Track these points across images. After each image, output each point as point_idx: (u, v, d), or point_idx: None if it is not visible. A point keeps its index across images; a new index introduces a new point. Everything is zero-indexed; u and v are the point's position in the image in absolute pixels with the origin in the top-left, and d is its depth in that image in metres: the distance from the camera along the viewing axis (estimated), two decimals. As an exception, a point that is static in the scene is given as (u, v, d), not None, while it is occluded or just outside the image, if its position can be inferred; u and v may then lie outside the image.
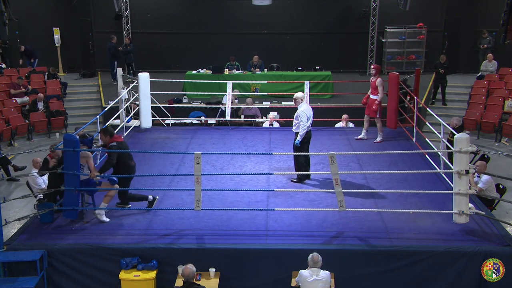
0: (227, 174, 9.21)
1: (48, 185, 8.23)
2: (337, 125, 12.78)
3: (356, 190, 8.37)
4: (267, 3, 17.41)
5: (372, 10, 18.74)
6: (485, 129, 14.44)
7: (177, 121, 13.77)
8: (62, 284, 7.10)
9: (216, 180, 8.98)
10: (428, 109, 12.71)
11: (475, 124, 14.54)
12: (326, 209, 7.68)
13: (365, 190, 8.53)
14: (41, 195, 8.35)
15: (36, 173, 9.43)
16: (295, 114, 8.88)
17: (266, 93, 15.51)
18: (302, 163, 8.95)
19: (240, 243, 7.03)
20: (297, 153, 8.74)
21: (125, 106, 12.02)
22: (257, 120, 13.41)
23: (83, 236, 7.24)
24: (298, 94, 9.08)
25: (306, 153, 8.88)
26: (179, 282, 6.55)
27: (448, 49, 18.43)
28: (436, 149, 9.27)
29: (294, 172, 8.96)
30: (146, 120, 11.99)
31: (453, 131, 8.62)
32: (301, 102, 8.95)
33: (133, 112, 12.56)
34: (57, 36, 18.79)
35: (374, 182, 8.90)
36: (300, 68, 17.21)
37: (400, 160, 9.81)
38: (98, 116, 10.49)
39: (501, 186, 9.21)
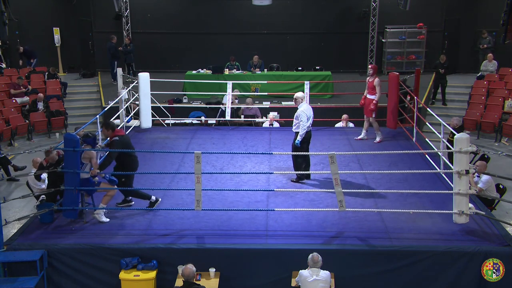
0: (227, 173, 9.21)
1: (48, 185, 8.23)
2: (337, 125, 12.78)
3: (356, 190, 8.37)
4: (267, 3, 17.40)
5: (372, 10, 18.73)
6: (485, 129, 14.44)
7: (177, 121, 13.78)
8: (62, 284, 7.10)
9: (216, 180, 8.98)
10: (428, 109, 12.71)
11: (475, 124, 14.53)
12: (326, 209, 7.68)
13: (365, 190, 8.53)
14: (44, 196, 8.35)
15: (33, 174, 9.44)
16: (295, 114, 8.88)
17: (266, 93, 15.50)
18: (300, 163, 8.96)
19: (240, 243, 7.03)
20: (297, 153, 8.74)
21: (125, 106, 12.02)
22: (257, 120, 13.41)
23: (83, 236, 7.24)
24: (299, 94, 9.08)
25: (306, 153, 8.88)
26: (179, 282, 6.55)
27: (448, 49, 18.43)
28: (436, 149, 9.27)
29: (294, 172, 8.96)
30: (146, 120, 12.00)
31: (453, 131, 8.62)
32: (301, 102, 8.95)
33: (133, 112, 12.56)
34: (57, 36, 18.79)
35: (374, 182, 8.90)
36: (300, 68, 17.20)
37: (400, 160, 9.82)
38: (98, 116, 10.50)
39: (501, 186, 9.21)
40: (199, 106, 14.72)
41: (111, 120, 10.92)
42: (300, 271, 6.42)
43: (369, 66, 10.97)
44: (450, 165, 7.84)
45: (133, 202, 8.05)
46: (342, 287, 6.81)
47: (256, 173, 9.25)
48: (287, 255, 6.90)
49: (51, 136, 15.15)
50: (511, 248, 6.81)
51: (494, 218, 7.65)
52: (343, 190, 7.12)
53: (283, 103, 14.99)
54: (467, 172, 6.89)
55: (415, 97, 11.19)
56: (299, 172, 8.87)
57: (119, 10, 18.30)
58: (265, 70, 17.10)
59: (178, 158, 9.98)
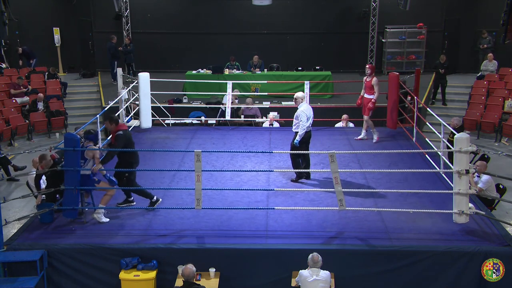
0: (227, 171, 9.20)
1: (47, 186, 8.23)
2: (337, 125, 12.78)
3: (356, 190, 8.37)
4: (267, 3, 17.40)
5: (372, 10, 18.74)
6: (485, 129, 14.44)
7: (177, 121, 13.78)
8: (62, 284, 7.10)
9: (216, 180, 8.99)
10: (428, 109, 12.70)
11: (475, 124, 14.53)
12: (326, 208, 7.68)
13: (365, 190, 8.53)
14: (44, 195, 8.35)
15: (33, 174, 9.43)
16: (295, 114, 8.89)
17: (266, 93, 15.51)
18: (299, 163, 8.97)
19: (240, 243, 7.03)
20: (297, 151, 8.74)
21: (125, 106, 12.02)
22: (257, 120, 13.41)
23: (83, 236, 7.24)
24: (299, 94, 9.08)
25: (306, 152, 8.88)
26: (179, 282, 6.55)
27: (448, 49, 18.44)
28: (436, 149, 9.27)
29: (294, 170, 8.96)
30: (146, 120, 12.00)
31: (453, 131, 8.62)
32: (301, 102, 8.95)
33: (133, 112, 12.56)
34: (57, 36, 18.79)
35: (374, 182, 8.90)
36: (300, 68, 17.20)
37: (400, 160, 9.82)
38: (98, 116, 10.49)
39: (501, 186, 9.21)
40: (199, 106, 14.72)
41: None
42: (300, 271, 6.42)
43: (367, 66, 10.96)
44: (450, 165, 7.84)
45: (134, 203, 8.05)
46: (342, 287, 6.81)
47: (256, 170, 9.24)
48: (287, 255, 6.89)
49: (51, 136, 15.16)
50: (511, 248, 6.81)
51: (494, 218, 7.65)
52: (343, 190, 7.13)
53: (283, 103, 14.99)
54: (467, 172, 6.90)
55: (415, 97, 11.19)
56: (298, 170, 8.87)
57: (119, 10, 18.30)
58: (265, 70, 17.10)
59: (178, 158, 9.98)
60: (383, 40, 19.07)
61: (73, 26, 19.37)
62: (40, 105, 15.40)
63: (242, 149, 10.72)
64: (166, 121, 13.29)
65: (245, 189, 8.29)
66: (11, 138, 14.22)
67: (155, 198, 7.93)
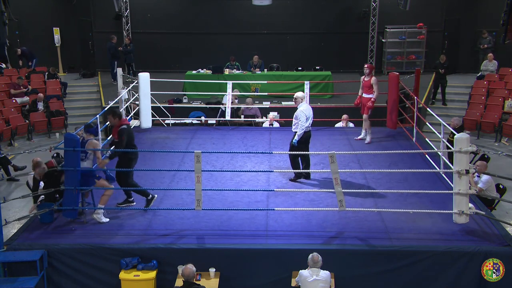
0: (227, 171, 9.20)
1: (45, 188, 8.23)
2: (337, 125, 12.78)
3: (356, 190, 8.37)
4: (267, 3, 17.40)
5: (372, 10, 18.74)
6: (485, 129, 14.43)
7: (177, 121, 13.78)
8: (62, 284, 7.10)
9: (216, 180, 8.99)
10: (428, 109, 12.71)
11: (475, 124, 14.53)
12: (326, 208, 7.68)
13: (365, 190, 8.53)
14: (42, 196, 8.34)
15: (33, 174, 9.42)
16: (295, 114, 8.89)
17: (266, 93, 15.51)
18: (298, 162, 8.97)
19: (240, 243, 7.03)
20: (298, 152, 8.74)
21: (125, 106, 12.02)
22: (257, 120, 13.41)
23: (83, 236, 7.24)
24: (299, 94, 9.08)
25: (306, 152, 8.89)
26: (179, 282, 6.55)
27: (448, 49, 18.43)
28: (436, 149, 9.27)
29: (293, 170, 8.96)
30: (146, 120, 12.00)
31: (453, 131, 8.62)
32: (301, 102, 8.96)
33: (133, 112, 12.56)
34: (57, 36, 18.79)
35: (374, 182, 8.90)
36: (300, 68, 17.20)
37: (400, 160, 9.82)
38: (98, 116, 10.48)
39: (501, 186, 9.21)
40: (199, 106, 14.72)
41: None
42: (300, 271, 6.42)
43: (365, 66, 10.94)
44: (450, 165, 7.84)
45: (134, 203, 8.04)
46: (342, 287, 6.81)
47: (256, 171, 9.25)
48: (287, 255, 6.89)
49: (51, 136, 15.16)
50: (511, 248, 6.81)
51: (494, 218, 7.65)
52: (343, 190, 7.13)
53: (283, 103, 14.99)
54: (467, 172, 6.90)
55: (415, 97, 11.19)
56: (296, 170, 8.87)
57: (119, 10, 18.30)
58: (265, 70, 17.10)
59: (178, 158, 9.98)
60: (383, 40, 19.07)
61: (73, 26, 19.37)
62: (40, 105, 15.40)
63: (242, 149, 10.72)
64: (166, 121, 13.29)
65: (245, 189, 8.29)
66: (11, 138, 14.22)
67: (150, 196, 7.92)
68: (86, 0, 19.04)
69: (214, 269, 6.85)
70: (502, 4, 13.65)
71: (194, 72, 16.83)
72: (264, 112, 14.06)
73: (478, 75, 16.49)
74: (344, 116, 12.68)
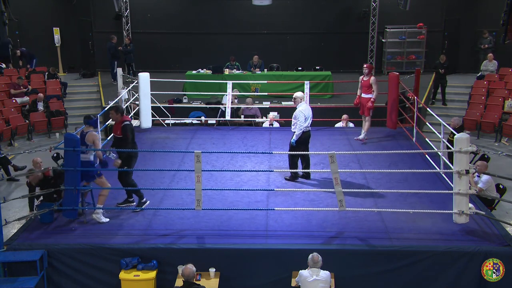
0: (227, 171, 9.20)
1: (44, 199, 8.24)
2: (337, 125, 12.78)
3: (356, 190, 8.37)
4: (267, 3, 17.40)
5: (372, 10, 18.74)
6: (485, 129, 14.44)
7: (177, 121, 13.78)
8: (62, 284, 7.10)
9: (216, 180, 8.99)
10: (428, 109, 12.71)
11: (475, 124, 14.53)
12: (326, 208, 7.68)
13: (365, 190, 8.53)
14: (39, 200, 8.35)
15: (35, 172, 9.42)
16: (294, 113, 8.89)
17: (266, 93, 15.51)
18: (296, 162, 8.96)
19: (240, 243, 7.03)
20: (298, 152, 8.74)
21: (125, 106, 12.02)
22: (257, 120, 13.41)
23: (83, 236, 7.24)
24: (298, 94, 9.07)
25: (306, 152, 8.89)
26: (179, 282, 6.55)
27: (448, 49, 18.43)
28: (436, 149, 9.27)
29: (290, 170, 8.95)
30: (146, 120, 12.00)
31: (453, 131, 8.62)
32: (300, 102, 8.95)
33: (133, 112, 12.56)
34: (57, 36, 18.79)
35: (374, 182, 8.90)
36: (300, 68, 17.20)
37: (400, 160, 9.82)
38: (98, 116, 10.48)
39: (501, 186, 9.21)
40: (199, 106, 14.72)
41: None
42: (300, 271, 6.42)
43: (365, 66, 10.94)
44: (450, 165, 7.84)
45: (134, 203, 8.05)
46: (342, 287, 6.81)
47: (256, 170, 9.25)
48: (287, 255, 6.89)
49: (51, 136, 15.16)
50: (511, 248, 6.81)
51: (494, 218, 7.65)
52: (343, 190, 7.13)
53: (283, 103, 14.98)
54: (467, 172, 6.90)
55: (415, 97, 11.18)
56: (293, 170, 8.87)
57: (119, 10, 18.30)
58: (265, 70, 17.09)
59: (178, 158, 9.98)
60: (383, 40, 19.07)
61: (73, 26, 19.37)
62: (40, 105, 15.40)
63: (242, 149, 10.72)
64: (166, 121, 13.29)
65: (245, 189, 8.29)
66: (11, 138, 14.22)
67: (144, 199, 7.93)
68: (86, 0, 19.04)
69: (214, 269, 6.85)
70: (502, 4, 13.60)
71: (194, 72, 16.83)
72: (264, 112, 14.06)
73: (478, 75, 16.48)
74: (344, 116, 12.68)
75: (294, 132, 8.84)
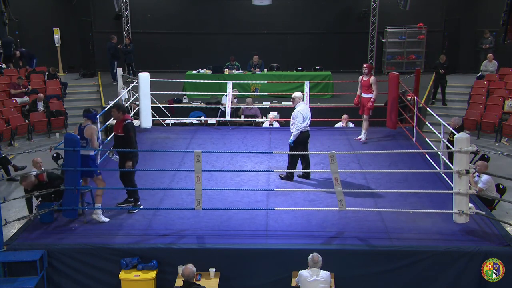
0: (227, 171, 9.21)
1: (40, 202, 8.22)
2: (337, 125, 12.78)
3: (356, 190, 8.37)
4: (267, 3, 17.41)
5: (372, 10, 18.75)
6: (485, 129, 14.44)
7: (177, 121, 13.78)
8: (62, 284, 7.10)
9: (216, 180, 8.99)
10: (428, 109, 12.71)
11: (475, 124, 14.53)
12: (326, 208, 7.68)
13: (365, 190, 8.53)
14: (37, 203, 8.33)
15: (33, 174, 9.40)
16: (292, 113, 8.89)
17: (266, 93, 15.51)
18: (293, 162, 8.97)
19: (240, 243, 7.03)
20: (298, 152, 8.73)
21: (125, 106, 12.00)
22: (257, 120, 13.41)
23: (83, 236, 7.24)
24: (297, 94, 9.07)
25: (306, 152, 8.88)
26: (179, 282, 6.55)
27: (448, 49, 18.44)
28: (436, 149, 9.27)
29: (288, 170, 8.95)
30: (146, 120, 12.00)
31: (453, 131, 8.62)
32: (299, 102, 8.94)
33: (133, 112, 12.55)
34: (57, 36, 18.79)
35: (374, 182, 8.90)
36: (300, 68, 17.20)
37: (400, 160, 9.82)
38: (98, 116, 10.47)
39: (501, 186, 9.21)
40: (199, 106, 14.72)
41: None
42: (300, 271, 6.42)
43: (364, 65, 10.93)
44: (450, 165, 7.84)
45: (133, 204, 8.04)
46: (342, 287, 6.81)
47: (256, 170, 9.25)
48: (287, 255, 6.89)
49: (51, 136, 15.15)
50: (511, 248, 6.81)
51: (494, 218, 7.65)
52: (343, 190, 7.12)
53: (283, 103, 14.98)
54: (467, 172, 6.90)
55: (415, 97, 11.18)
56: (290, 170, 8.87)
57: (119, 10, 18.30)
58: (265, 70, 17.09)
59: (178, 158, 9.98)
60: (383, 40, 19.07)
61: (73, 26, 19.37)
62: (40, 105, 15.40)
63: (242, 149, 10.72)
64: (166, 121, 13.29)
65: (245, 189, 8.29)
66: (11, 138, 14.22)
67: (139, 202, 7.92)
68: (86, 0, 19.04)
69: (214, 269, 6.85)
70: (502, 4, 13.62)
71: (194, 72, 16.83)
72: (264, 112, 14.06)
73: (478, 75, 16.49)
74: (344, 116, 12.68)
75: (292, 132, 8.84)
